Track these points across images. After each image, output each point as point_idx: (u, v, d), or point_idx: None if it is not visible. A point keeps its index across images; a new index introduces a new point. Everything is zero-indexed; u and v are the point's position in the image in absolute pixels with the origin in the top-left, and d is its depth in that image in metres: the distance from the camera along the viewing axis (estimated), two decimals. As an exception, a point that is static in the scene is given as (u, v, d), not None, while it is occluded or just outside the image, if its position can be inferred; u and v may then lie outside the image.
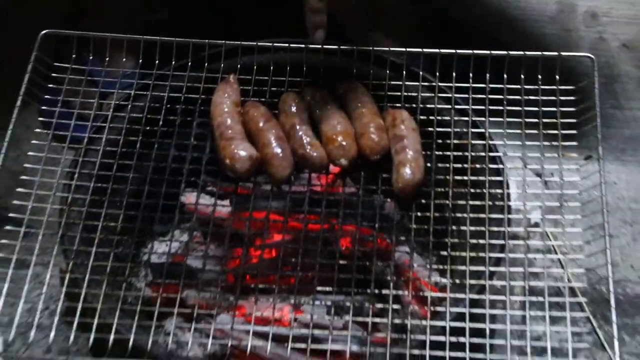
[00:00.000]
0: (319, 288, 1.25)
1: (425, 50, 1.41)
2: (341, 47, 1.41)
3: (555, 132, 1.31)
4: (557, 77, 1.33)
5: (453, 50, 1.39)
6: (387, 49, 1.41)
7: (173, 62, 1.41)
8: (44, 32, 1.37)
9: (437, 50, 1.40)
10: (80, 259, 1.22)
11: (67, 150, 1.33)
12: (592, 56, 1.32)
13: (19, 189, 1.25)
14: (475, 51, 1.37)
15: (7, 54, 1.41)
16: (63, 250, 1.23)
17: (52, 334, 1.12)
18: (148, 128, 1.38)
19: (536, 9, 1.91)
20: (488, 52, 1.37)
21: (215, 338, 1.21)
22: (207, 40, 1.42)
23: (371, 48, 1.41)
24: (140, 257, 1.38)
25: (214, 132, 1.34)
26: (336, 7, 1.38)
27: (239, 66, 1.43)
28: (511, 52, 1.36)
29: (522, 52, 1.35)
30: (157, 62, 1.41)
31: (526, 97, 1.34)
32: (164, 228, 1.38)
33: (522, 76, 1.34)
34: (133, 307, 1.19)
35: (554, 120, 1.32)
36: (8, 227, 1.21)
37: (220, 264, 1.33)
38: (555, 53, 1.34)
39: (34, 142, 1.32)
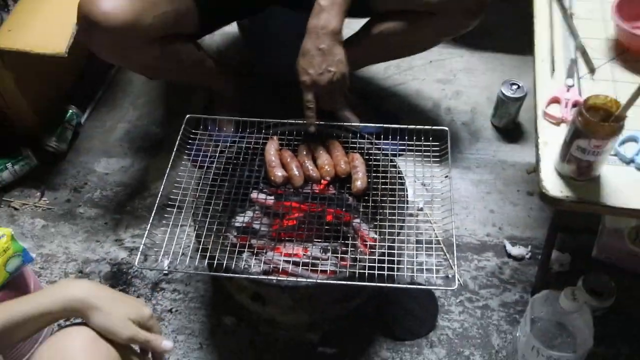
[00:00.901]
0: (316, 239, 1.28)
1: (368, 124, 1.40)
2: (328, 123, 1.38)
3: (429, 161, 1.31)
4: (431, 137, 1.32)
5: (387, 125, 1.37)
6: (350, 123, 1.39)
7: (247, 130, 1.39)
8: (188, 115, 1.36)
9: (376, 125, 1.40)
10: (202, 224, 1.23)
11: (198, 170, 1.33)
12: (447, 129, 1.32)
13: (174, 190, 1.25)
14: (394, 125, 1.34)
15: (173, 126, 1.33)
16: (194, 220, 1.24)
17: (188, 259, 1.16)
18: (236, 161, 1.38)
19: (419, 104, 1.85)
20: (404, 126, 1.33)
21: (266, 263, 1.26)
22: (263, 120, 1.40)
23: (343, 123, 1.40)
24: (232, 223, 1.37)
25: (265, 164, 1.37)
26: (326, 107, 1.35)
27: (278, 131, 1.42)
28: (416, 127, 1.33)
29: (419, 126, 1.33)
30: (239, 129, 1.39)
31: (417, 146, 1.32)
32: (241, 209, 1.38)
33: (415, 137, 1.33)
34: (226, 248, 1.21)
35: (429, 157, 1.32)
36: (169, 208, 1.21)
37: (268, 227, 1.34)
38: (429, 127, 1.33)
39: (182, 168, 1.31)
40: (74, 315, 0.83)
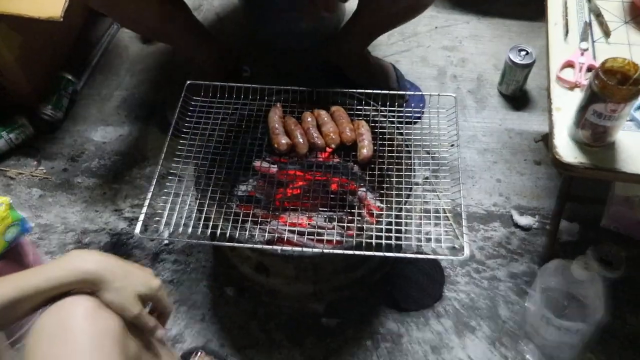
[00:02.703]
0: (320, 209, 1.28)
1: (374, 91, 1.38)
2: (334, 90, 1.38)
3: (437, 132, 1.30)
4: (437, 105, 1.31)
5: (391, 92, 1.37)
6: (355, 90, 1.39)
7: (250, 97, 1.37)
8: (188, 82, 1.35)
9: (380, 91, 1.38)
10: (204, 193, 1.22)
11: (199, 139, 1.30)
12: (455, 95, 1.32)
13: (176, 158, 1.24)
14: (400, 92, 1.36)
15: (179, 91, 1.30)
16: (196, 189, 1.23)
17: (190, 229, 1.11)
18: (238, 128, 1.36)
19: (424, 72, 1.84)
20: (410, 92, 1.33)
21: (270, 233, 1.23)
22: (266, 86, 1.38)
23: (347, 90, 1.39)
24: (234, 192, 1.36)
25: (269, 131, 1.35)
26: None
27: (282, 98, 1.41)
28: (423, 93, 1.33)
29: (426, 93, 1.33)
30: (242, 96, 1.37)
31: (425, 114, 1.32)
32: (244, 178, 1.37)
33: (422, 104, 1.32)
34: (229, 217, 1.19)
35: (436, 127, 1.30)
36: (170, 177, 1.21)
37: (272, 196, 1.33)
38: (436, 94, 1.33)
39: (183, 136, 1.29)
40: (86, 288, 0.82)
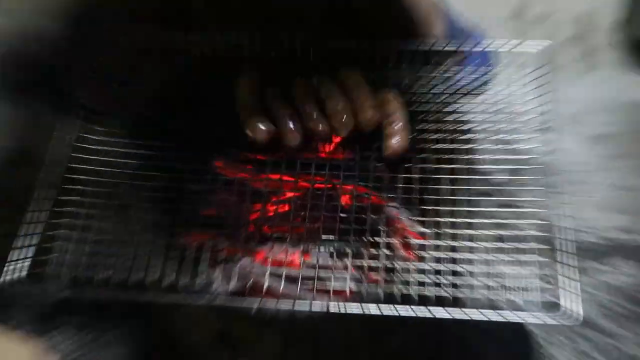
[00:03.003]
0: (323, 237, 1.25)
1: (409, 44, 1.36)
2: (343, 43, 1.35)
3: (515, 108, 1.29)
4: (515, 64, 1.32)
5: (445, 44, 1.35)
6: (378, 42, 1.36)
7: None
8: None
9: (419, 44, 1.36)
10: (124, 211, 1.23)
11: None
12: (544, 45, 1.31)
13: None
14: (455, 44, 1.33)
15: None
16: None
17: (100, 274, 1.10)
18: (179, 100, 1.36)
19: (496, 11, 1.86)
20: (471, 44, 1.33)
21: (240, 278, 1.21)
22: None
23: (366, 43, 1.36)
24: (179, 210, 1.33)
25: (240, 110, 1.33)
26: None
27: (258, 56, 1.37)
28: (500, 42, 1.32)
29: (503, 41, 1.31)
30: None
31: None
32: (196, 187, 1.34)
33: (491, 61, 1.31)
34: (169, 253, 1.19)
35: (514, 100, 1.30)
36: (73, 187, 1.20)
37: (243, 216, 1.31)
38: (513, 43, 1.31)
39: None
40: None
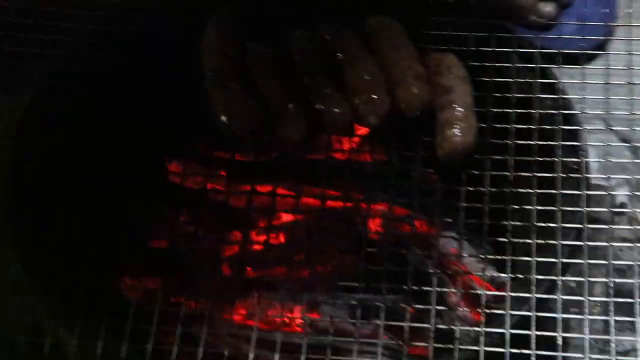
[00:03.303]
0: (340, 283, 1.23)
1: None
2: None
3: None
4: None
5: None
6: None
7: None
8: None
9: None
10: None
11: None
12: None
13: None
14: None
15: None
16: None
17: None
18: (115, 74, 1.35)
19: None
20: None
21: (208, 345, 1.18)
22: None
23: None
24: (111, 239, 1.34)
25: (205, 80, 1.31)
26: None
27: None
28: None
29: None
30: None
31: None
32: (142, 204, 1.36)
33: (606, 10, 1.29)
34: (102, 304, 1.17)
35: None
36: None
37: (213, 251, 1.31)
38: None
39: None
40: None
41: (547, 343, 1.09)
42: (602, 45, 1.66)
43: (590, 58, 1.47)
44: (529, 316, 1.11)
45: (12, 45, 1.36)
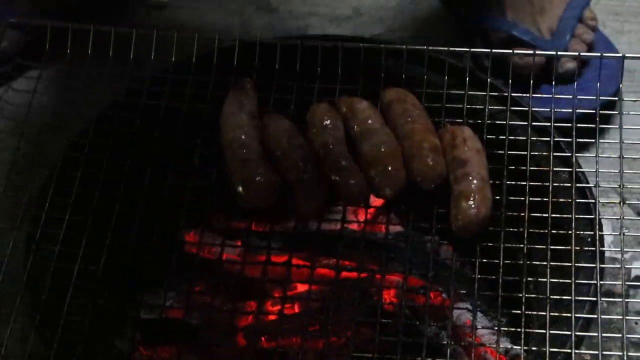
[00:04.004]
0: (354, 354, 1.21)
1: (494, 50, 1.39)
2: (387, 45, 1.39)
3: None
4: None
5: (530, 51, 1.36)
6: (445, 48, 1.40)
7: (173, 60, 1.40)
8: None
9: (508, 50, 1.39)
10: (49, 312, 1.20)
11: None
12: None
13: None
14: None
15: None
16: (30, 302, 1.22)
17: None
18: (137, 149, 1.37)
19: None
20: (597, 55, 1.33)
21: None
22: (216, 35, 1.41)
23: (425, 47, 1.39)
24: (127, 312, 1.34)
25: (224, 152, 1.32)
26: None
27: (256, 68, 1.42)
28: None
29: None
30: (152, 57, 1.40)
31: (625, 113, 1.31)
32: (157, 275, 1.34)
33: (621, 85, 1.30)
34: None
35: None
36: None
37: (228, 321, 1.30)
38: None
39: None
40: None
41: None
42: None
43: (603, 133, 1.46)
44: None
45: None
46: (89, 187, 1.33)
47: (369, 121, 1.33)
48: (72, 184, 1.33)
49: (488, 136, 1.34)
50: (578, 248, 1.22)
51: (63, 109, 1.48)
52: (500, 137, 1.34)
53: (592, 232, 1.24)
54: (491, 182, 1.29)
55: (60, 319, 1.19)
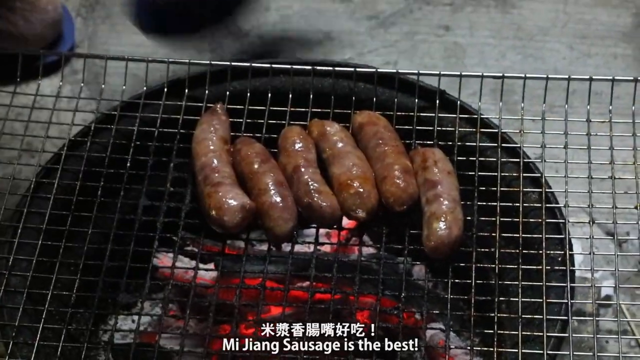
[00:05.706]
0: None
1: (463, 73, 1.39)
2: (357, 69, 1.40)
3: (632, 177, 1.28)
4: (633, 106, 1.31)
5: (500, 74, 1.37)
6: (415, 71, 1.40)
7: (144, 88, 1.39)
8: None
9: (478, 73, 1.39)
10: (23, 337, 1.19)
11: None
12: None
13: None
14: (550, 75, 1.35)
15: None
16: (1, 327, 1.21)
17: None
18: (112, 171, 1.36)
19: None
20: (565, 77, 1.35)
21: None
22: (188, 60, 1.41)
23: (396, 70, 1.40)
24: (100, 336, 1.36)
25: (196, 176, 1.32)
26: None
27: (228, 93, 1.42)
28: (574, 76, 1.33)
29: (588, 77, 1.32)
30: (123, 87, 1.39)
31: (593, 134, 1.32)
32: (130, 298, 1.36)
33: (588, 107, 1.31)
34: None
35: (629, 163, 1.29)
36: None
37: (202, 345, 1.27)
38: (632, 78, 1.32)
39: None
40: None
41: None
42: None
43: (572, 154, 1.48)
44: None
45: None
46: (62, 212, 1.32)
47: (341, 144, 1.33)
48: (45, 209, 1.32)
49: (459, 158, 1.34)
50: (549, 267, 1.23)
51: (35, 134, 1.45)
52: (471, 158, 1.34)
53: (562, 252, 1.24)
54: (462, 203, 1.29)
55: (34, 345, 1.18)
